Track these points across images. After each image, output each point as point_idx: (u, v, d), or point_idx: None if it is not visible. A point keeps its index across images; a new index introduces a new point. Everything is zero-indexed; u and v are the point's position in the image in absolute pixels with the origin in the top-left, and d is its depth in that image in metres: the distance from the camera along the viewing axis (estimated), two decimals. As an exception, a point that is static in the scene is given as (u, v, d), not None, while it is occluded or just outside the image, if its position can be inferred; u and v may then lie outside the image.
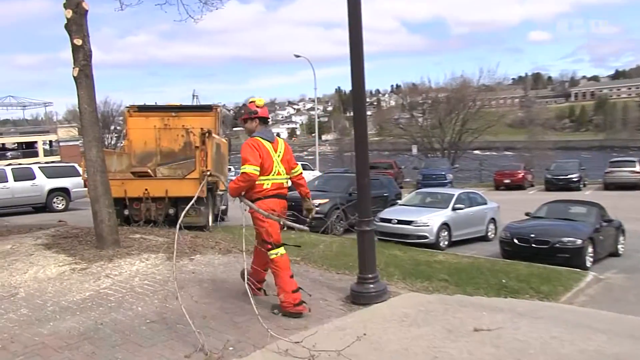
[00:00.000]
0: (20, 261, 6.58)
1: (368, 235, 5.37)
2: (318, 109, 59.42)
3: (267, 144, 4.92)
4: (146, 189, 10.93)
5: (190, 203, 5.09)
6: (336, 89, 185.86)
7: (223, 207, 14.25)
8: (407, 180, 34.18)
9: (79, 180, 17.29)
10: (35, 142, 55.07)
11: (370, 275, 5.29)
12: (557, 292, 7.06)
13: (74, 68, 6.97)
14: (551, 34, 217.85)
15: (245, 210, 4.89)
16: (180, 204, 10.87)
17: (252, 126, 5.05)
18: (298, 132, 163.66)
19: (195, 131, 12.23)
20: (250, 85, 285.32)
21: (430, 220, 12.42)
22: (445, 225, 12.59)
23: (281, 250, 4.91)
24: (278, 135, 5.04)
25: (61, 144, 55.18)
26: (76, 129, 52.53)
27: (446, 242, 12.52)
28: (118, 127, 51.21)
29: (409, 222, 12.45)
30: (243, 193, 4.87)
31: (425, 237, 12.21)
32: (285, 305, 4.81)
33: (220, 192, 13.40)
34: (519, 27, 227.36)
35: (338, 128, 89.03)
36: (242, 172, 4.80)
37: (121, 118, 51.59)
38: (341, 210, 11.68)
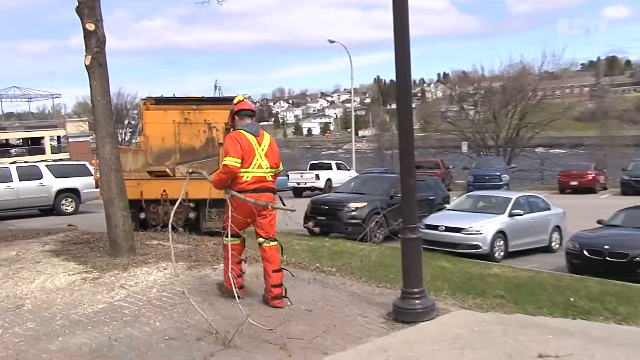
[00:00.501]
0: (26, 269, 6.77)
1: (413, 243, 5.33)
2: (354, 101, 59.41)
3: (250, 137, 5.52)
4: (164, 190, 11.13)
5: (177, 203, 5.77)
6: (375, 79, 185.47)
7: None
8: (456, 181, 33.85)
9: (90, 180, 17.71)
10: (42, 137, 56.72)
11: (415, 290, 5.24)
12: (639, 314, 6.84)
13: (86, 56, 7.15)
14: (631, 9, 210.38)
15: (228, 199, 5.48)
16: (202, 207, 11.02)
17: (236, 122, 5.76)
18: (332, 127, 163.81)
19: (218, 126, 12.38)
20: (278, 74, 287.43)
21: (483, 228, 12.30)
22: (501, 234, 12.46)
23: (236, 240, 5.55)
24: (263, 129, 5.81)
25: (70, 139, 56.66)
26: (87, 123, 53.93)
27: (502, 253, 12.39)
28: (132, 122, 52.39)
29: (458, 230, 12.37)
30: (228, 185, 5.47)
31: (478, 247, 12.11)
32: (227, 286, 5.47)
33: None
34: (591, 2, 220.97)
35: (377, 122, 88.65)
36: (223, 164, 5.46)
37: (136, 112, 52.82)
38: (381, 216, 11.66)
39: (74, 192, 19.19)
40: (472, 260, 11.29)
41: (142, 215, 11.42)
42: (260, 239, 5.54)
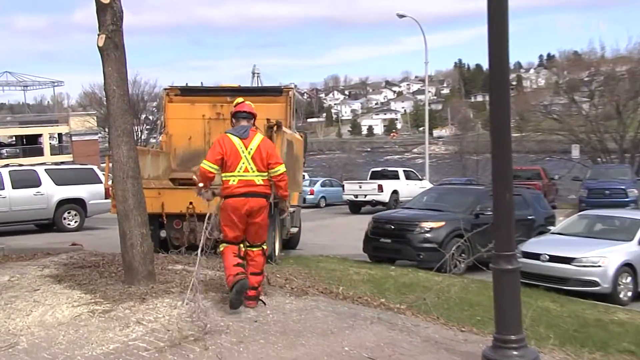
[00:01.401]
0: (22, 299, 7.00)
1: (509, 277, 5.29)
2: (429, 91, 59.11)
3: (236, 140, 6.85)
4: (191, 203, 11.35)
5: (207, 219, 7.04)
6: (455, 63, 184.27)
7: (294, 230, 14.53)
8: (564, 196, 33.10)
9: (98, 188, 18.20)
10: (40, 135, 58.75)
11: (512, 337, 5.19)
12: None
13: (99, 35, 7.37)
14: None
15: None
16: None
17: (233, 124, 7.19)
18: (399, 125, 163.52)
19: (259, 123, 12.52)
20: (331, 58, 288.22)
21: (602, 259, 12.04)
22: (628, 267, 12.17)
23: (231, 244, 6.86)
24: (256, 128, 7.25)
25: (74, 138, 58.46)
26: (94, 118, 55.45)
27: (629, 294, 12.12)
28: (150, 117, 53.46)
29: (568, 260, 12.16)
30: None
31: (595, 284, 11.86)
32: (227, 281, 6.64)
33: (291, 210, 13.65)
34: None
35: (457, 119, 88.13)
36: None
37: (155, 104, 53.67)
38: (464, 239, 11.55)
39: (78, 204, 19.67)
40: (586, 301, 11.05)
41: (163, 234, 11.65)
42: (246, 243, 6.94)
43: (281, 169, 6.94)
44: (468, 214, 14.33)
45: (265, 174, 6.88)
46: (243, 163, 6.75)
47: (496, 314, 5.30)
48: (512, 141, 5.55)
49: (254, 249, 6.94)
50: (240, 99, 7.35)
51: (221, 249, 6.88)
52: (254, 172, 6.79)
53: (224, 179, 6.83)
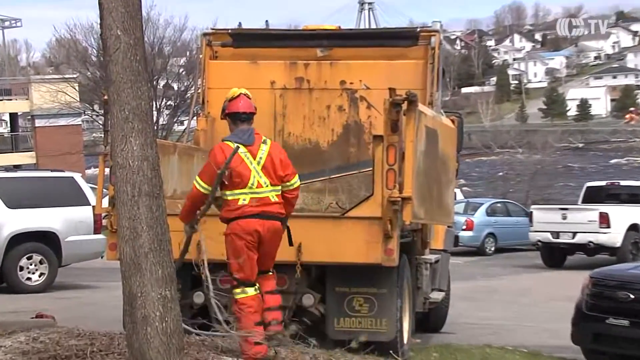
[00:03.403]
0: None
1: None
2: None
3: (240, 149, 9.04)
4: None
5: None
6: None
7: (437, 297, 14.48)
8: None
9: (83, 213, 18.96)
10: (-19, 117, 61.02)
11: None
12: None
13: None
14: None
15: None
16: (331, 281, 11.27)
17: (229, 125, 9.54)
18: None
19: (373, 97, 12.64)
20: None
21: None
22: None
23: (250, 290, 9.15)
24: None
25: (39, 122, 60.10)
26: (75, 86, 56.55)
27: None
28: (175, 86, 53.96)
29: None
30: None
31: None
32: (244, 357, 8.75)
33: (432, 258, 13.60)
34: None
35: None
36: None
37: (183, 61, 53.80)
38: None
39: (47, 242, 20.05)
40: None
41: (199, 299, 11.76)
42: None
43: (297, 181, 9.55)
44: None
45: (279, 188, 9.35)
46: (254, 177, 9.12)
47: None
48: None
49: (265, 275, 9.60)
50: (235, 90, 9.49)
51: (237, 296, 9.15)
52: (267, 187, 9.23)
53: (229, 198, 9.18)
